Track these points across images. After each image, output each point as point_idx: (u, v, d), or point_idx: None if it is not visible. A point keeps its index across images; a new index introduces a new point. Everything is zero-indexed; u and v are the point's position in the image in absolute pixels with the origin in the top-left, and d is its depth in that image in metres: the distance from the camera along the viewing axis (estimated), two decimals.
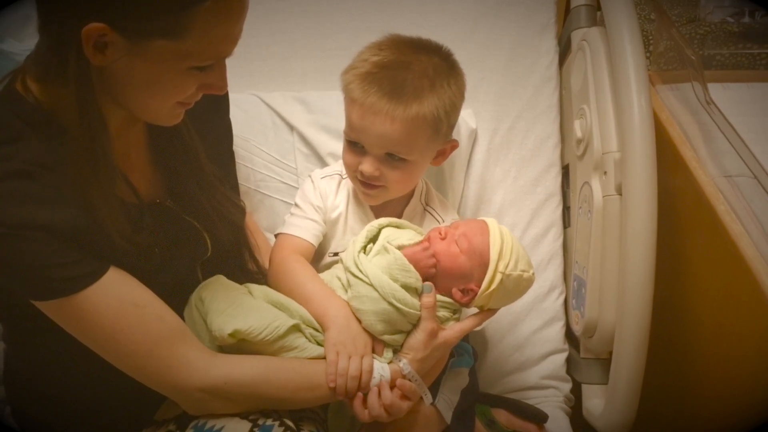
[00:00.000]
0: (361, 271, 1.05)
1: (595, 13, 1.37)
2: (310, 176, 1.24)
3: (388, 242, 1.08)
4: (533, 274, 1.11)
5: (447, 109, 1.10)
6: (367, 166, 1.11)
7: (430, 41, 1.15)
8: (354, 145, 1.12)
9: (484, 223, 1.11)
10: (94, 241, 0.90)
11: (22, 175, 0.86)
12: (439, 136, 1.13)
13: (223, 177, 1.13)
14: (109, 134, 0.90)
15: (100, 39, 0.81)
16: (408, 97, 1.07)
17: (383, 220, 1.14)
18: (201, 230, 1.07)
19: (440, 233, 1.10)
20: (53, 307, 0.91)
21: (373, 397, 1.02)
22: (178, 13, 0.81)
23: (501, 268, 1.07)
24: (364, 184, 1.14)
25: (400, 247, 1.08)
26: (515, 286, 1.09)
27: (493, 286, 1.07)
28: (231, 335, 0.98)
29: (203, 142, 1.08)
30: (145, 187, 1.03)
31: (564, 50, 1.45)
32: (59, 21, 0.83)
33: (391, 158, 1.11)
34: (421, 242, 1.10)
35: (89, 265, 0.91)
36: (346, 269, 1.07)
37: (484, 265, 1.07)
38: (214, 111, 1.15)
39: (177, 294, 1.03)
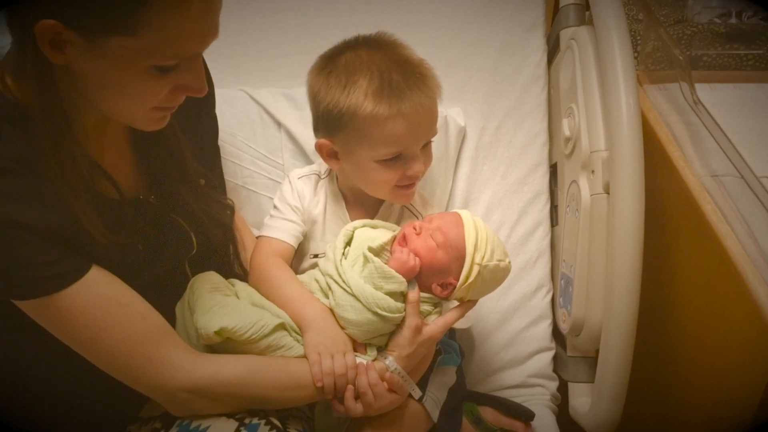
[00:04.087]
0: (343, 280, 1.05)
1: (584, 13, 1.37)
2: (287, 176, 1.23)
3: (368, 247, 1.07)
4: (509, 262, 1.12)
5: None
6: (418, 167, 1.11)
7: (353, 39, 1.14)
8: (394, 161, 1.10)
9: (458, 215, 1.11)
10: (76, 239, 0.89)
11: (4, 173, 0.85)
12: None
13: (208, 174, 1.12)
14: (73, 133, 0.88)
15: (57, 37, 0.80)
16: (426, 82, 1.08)
17: (357, 222, 1.14)
18: (186, 227, 1.07)
19: (415, 228, 1.09)
20: (35, 307, 0.90)
21: (362, 382, 1.02)
22: (132, 9, 0.79)
23: (477, 259, 1.07)
24: (407, 186, 1.14)
25: (379, 249, 1.08)
26: (492, 276, 1.11)
27: (471, 278, 1.08)
28: (217, 333, 0.98)
29: (188, 137, 1.07)
30: (128, 183, 1.02)
31: (552, 49, 1.45)
32: (18, 18, 0.81)
33: (425, 146, 1.12)
34: (397, 242, 1.09)
35: (72, 264, 0.90)
36: (327, 275, 1.07)
37: (461, 258, 1.08)
38: (200, 107, 1.14)
39: (164, 290, 1.03)
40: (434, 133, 1.13)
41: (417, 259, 1.07)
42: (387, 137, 1.07)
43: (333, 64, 1.10)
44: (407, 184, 1.13)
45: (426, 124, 1.09)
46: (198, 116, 1.15)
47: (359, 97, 1.05)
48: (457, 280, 1.08)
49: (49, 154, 0.86)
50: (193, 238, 1.08)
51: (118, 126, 1.01)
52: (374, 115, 1.05)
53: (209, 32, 0.86)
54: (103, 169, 0.96)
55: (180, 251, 1.07)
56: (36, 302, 0.90)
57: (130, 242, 0.96)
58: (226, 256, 1.17)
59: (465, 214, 1.11)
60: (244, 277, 1.16)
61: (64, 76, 0.85)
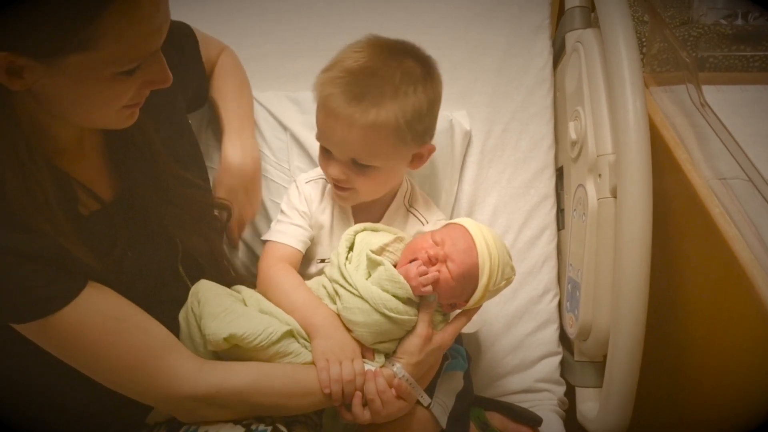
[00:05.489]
0: (349, 283, 1.04)
1: (590, 15, 1.37)
2: (294, 181, 1.23)
3: (371, 249, 1.06)
4: (515, 273, 1.12)
5: (408, 117, 1.06)
6: (333, 170, 1.11)
7: (409, 45, 1.11)
8: (324, 149, 1.12)
9: (469, 237, 1.07)
10: (65, 258, 0.88)
11: None
12: (406, 142, 1.09)
13: (185, 174, 1.09)
14: (36, 162, 0.85)
15: (12, 65, 0.78)
16: (366, 104, 1.04)
17: (359, 226, 1.13)
18: (167, 228, 1.05)
19: (429, 257, 1.05)
20: (33, 330, 0.90)
21: (370, 389, 1.02)
22: (85, 25, 0.76)
23: (490, 287, 1.06)
24: (336, 186, 1.14)
25: (379, 251, 1.07)
26: (497, 291, 1.10)
27: (481, 302, 1.08)
28: (226, 340, 0.98)
29: (164, 138, 1.05)
30: (104, 187, 1.00)
31: (558, 51, 1.45)
32: None
33: (356, 164, 1.09)
34: (402, 264, 1.07)
35: (65, 283, 0.89)
36: (333, 281, 1.07)
37: (474, 285, 1.06)
38: (174, 106, 1.13)
39: (163, 295, 1.02)
40: (357, 156, 1.08)
41: (430, 287, 1.04)
42: (316, 117, 1.10)
43: (359, 46, 1.10)
44: (334, 183, 1.14)
45: (338, 135, 1.06)
46: (172, 115, 1.13)
47: (326, 67, 1.09)
48: (466, 302, 1.08)
49: (18, 189, 0.84)
50: (178, 240, 1.07)
51: (92, 133, 1.00)
52: (315, 88, 1.09)
53: (162, 25, 0.84)
54: (81, 183, 0.94)
55: (168, 252, 1.06)
56: (33, 325, 0.89)
57: (120, 251, 0.95)
58: (217, 258, 1.15)
59: (476, 235, 1.07)
60: (236, 273, 1.15)
61: (28, 101, 0.83)
